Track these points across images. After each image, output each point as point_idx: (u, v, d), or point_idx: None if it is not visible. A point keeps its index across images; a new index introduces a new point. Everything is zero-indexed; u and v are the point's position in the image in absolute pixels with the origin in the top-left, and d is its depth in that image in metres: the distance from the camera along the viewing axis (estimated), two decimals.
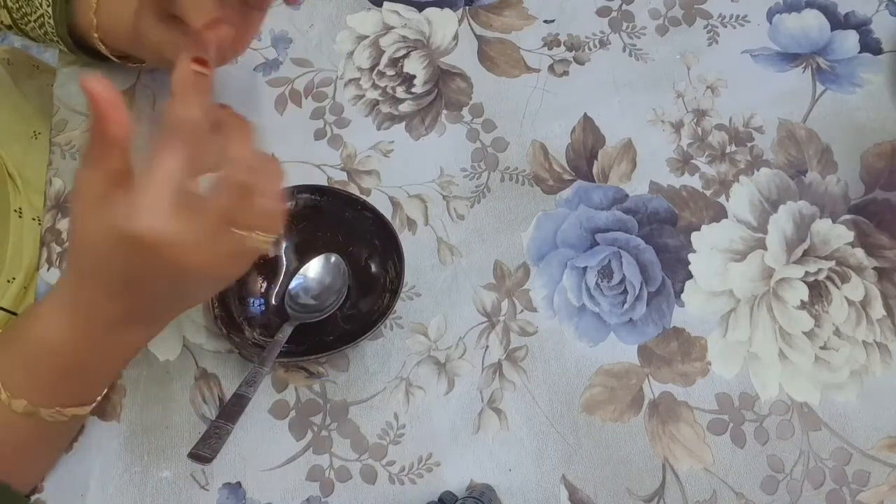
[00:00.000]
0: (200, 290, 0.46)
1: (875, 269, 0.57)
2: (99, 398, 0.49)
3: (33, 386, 0.45)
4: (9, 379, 0.45)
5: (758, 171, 0.60)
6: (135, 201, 0.38)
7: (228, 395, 0.54)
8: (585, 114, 0.62)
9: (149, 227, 0.38)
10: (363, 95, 0.63)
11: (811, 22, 0.65)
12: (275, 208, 0.43)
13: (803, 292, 0.57)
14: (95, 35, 0.56)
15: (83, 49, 0.59)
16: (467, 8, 0.66)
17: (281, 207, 0.43)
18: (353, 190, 0.59)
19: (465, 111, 0.62)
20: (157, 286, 0.42)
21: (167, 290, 0.43)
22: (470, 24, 0.66)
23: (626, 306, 0.57)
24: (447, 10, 0.66)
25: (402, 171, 0.60)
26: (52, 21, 0.56)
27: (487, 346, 0.56)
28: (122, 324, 0.44)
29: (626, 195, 0.60)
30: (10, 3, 0.57)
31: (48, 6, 0.55)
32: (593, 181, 0.60)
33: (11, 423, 0.45)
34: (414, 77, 0.64)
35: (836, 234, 0.58)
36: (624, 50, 0.65)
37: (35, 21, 0.57)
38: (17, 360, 0.45)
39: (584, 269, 0.57)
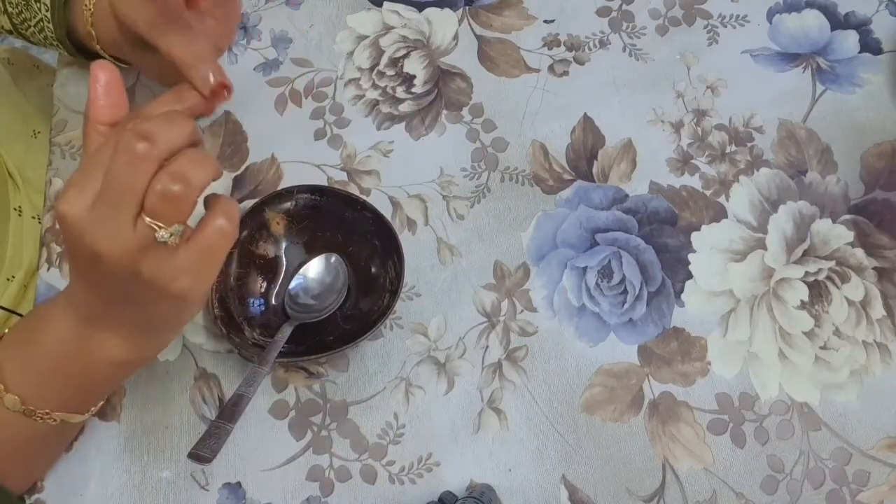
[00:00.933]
0: (140, 293, 0.42)
1: (875, 269, 0.57)
2: (93, 409, 0.49)
3: (26, 381, 0.45)
4: (7, 371, 0.45)
5: (758, 171, 0.60)
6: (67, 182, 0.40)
7: (228, 395, 0.54)
8: (585, 114, 0.62)
9: (60, 206, 0.39)
10: (363, 95, 0.63)
11: (811, 22, 0.65)
12: (182, 195, 0.39)
13: (803, 292, 0.57)
14: (97, 47, 0.56)
15: (83, 52, 0.59)
16: (467, 8, 0.66)
17: (193, 198, 0.40)
18: (353, 190, 0.59)
19: (465, 111, 0.62)
20: (100, 277, 0.41)
21: (109, 285, 0.42)
22: (470, 24, 0.66)
23: (626, 306, 0.57)
24: (447, 10, 0.66)
25: (402, 171, 0.60)
26: (50, 26, 0.56)
27: (487, 346, 0.56)
28: (102, 325, 0.44)
29: (626, 195, 0.60)
30: (9, 9, 0.57)
31: (46, 11, 0.55)
32: (593, 181, 0.60)
33: (5, 423, 0.46)
34: (414, 77, 0.64)
35: (836, 234, 0.58)
36: (624, 50, 0.65)
37: (35, 26, 0.57)
38: (17, 354, 0.46)
39: (584, 269, 0.57)
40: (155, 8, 0.48)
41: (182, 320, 0.46)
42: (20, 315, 0.61)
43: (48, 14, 0.55)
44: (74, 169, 0.60)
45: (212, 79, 0.47)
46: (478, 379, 0.55)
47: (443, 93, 0.63)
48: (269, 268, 0.57)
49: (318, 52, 0.65)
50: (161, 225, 0.39)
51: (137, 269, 0.40)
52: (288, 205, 0.57)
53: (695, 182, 0.60)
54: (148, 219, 0.39)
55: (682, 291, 0.57)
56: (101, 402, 0.50)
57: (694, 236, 0.58)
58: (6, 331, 0.48)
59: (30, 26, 0.57)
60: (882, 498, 0.52)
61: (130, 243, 0.39)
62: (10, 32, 0.60)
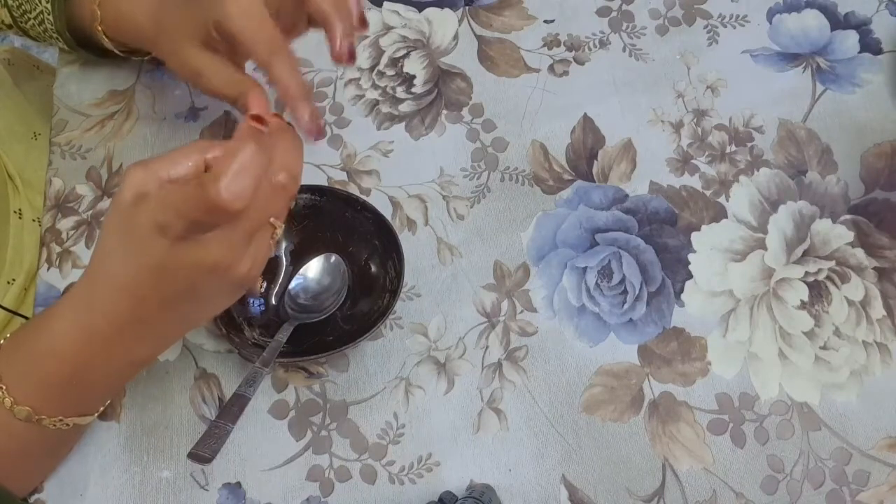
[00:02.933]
0: (226, 297, 0.44)
1: (875, 269, 0.57)
2: (102, 408, 0.49)
3: (37, 393, 0.44)
4: (14, 385, 0.44)
5: (758, 171, 0.60)
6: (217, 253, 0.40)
7: (228, 395, 0.54)
8: (585, 114, 0.62)
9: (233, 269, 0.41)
10: (363, 95, 0.63)
11: (811, 22, 0.65)
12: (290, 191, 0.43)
13: (803, 292, 0.57)
14: (99, 28, 0.55)
15: (84, 46, 0.59)
16: (467, 8, 0.66)
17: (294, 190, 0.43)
18: (353, 190, 0.59)
19: (465, 111, 0.62)
20: (176, 287, 0.41)
21: (204, 298, 0.43)
22: (470, 24, 0.66)
23: (626, 306, 0.57)
24: (447, 10, 0.66)
25: (402, 171, 0.60)
26: (51, 17, 0.56)
27: (487, 347, 0.56)
28: (129, 329, 0.43)
29: (626, 195, 0.60)
30: (9, 2, 0.57)
31: (47, 2, 0.55)
32: (593, 181, 0.60)
33: (13, 430, 0.45)
34: (414, 77, 0.64)
35: (836, 234, 0.58)
36: (624, 50, 0.65)
37: (35, 18, 0.57)
38: (23, 367, 0.45)
39: (584, 269, 0.57)
40: (275, 32, 0.47)
41: (221, 309, 0.47)
42: (22, 316, 0.61)
43: (48, 5, 0.55)
44: (74, 170, 0.60)
45: (310, 120, 0.48)
46: (478, 379, 0.55)
47: (443, 93, 0.63)
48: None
49: (317, 52, 0.65)
50: (280, 224, 0.43)
51: (232, 268, 0.42)
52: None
53: (695, 182, 0.60)
54: (276, 221, 0.43)
55: (682, 291, 0.57)
56: (109, 401, 0.50)
57: (694, 236, 0.58)
58: (2, 341, 0.46)
59: (29, 19, 0.57)
60: (882, 498, 0.52)
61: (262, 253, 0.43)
62: (9, 27, 0.59)
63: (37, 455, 0.48)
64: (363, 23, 0.50)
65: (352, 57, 0.49)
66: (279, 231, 0.43)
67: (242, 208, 0.37)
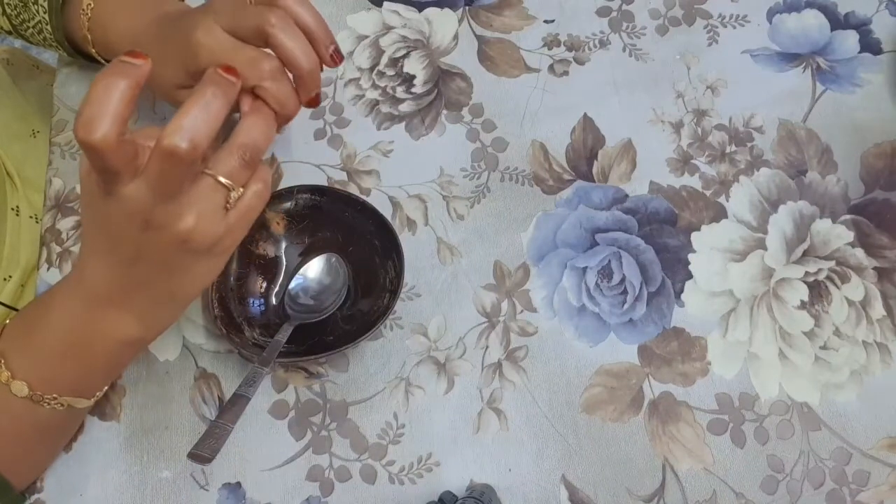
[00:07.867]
0: (188, 264, 0.44)
1: (875, 269, 0.57)
2: (98, 394, 0.49)
3: (34, 366, 0.46)
4: (12, 358, 0.46)
5: (758, 171, 0.60)
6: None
7: (228, 395, 0.54)
8: (585, 114, 0.62)
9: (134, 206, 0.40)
10: (363, 95, 0.63)
11: (811, 22, 0.65)
12: (256, 161, 0.43)
13: (803, 292, 0.57)
14: (93, 50, 0.56)
15: (82, 54, 0.59)
16: (467, 8, 0.66)
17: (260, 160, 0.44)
18: (353, 190, 0.59)
19: (465, 111, 0.62)
20: (143, 251, 0.42)
21: (151, 258, 0.43)
22: (470, 24, 0.65)
23: (626, 306, 0.57)
24: (447, 10, 0.66)
25: (402, 171, 0.60)
26: (49, 28, 0.56)
27: (487, 347, 0.56)
28: (111, 297, 0.44)
29: (626, 195, 0.60)
30: (8, 11, 0.57)
31: (45, 14, 0.55)
32: (593, 181, 0.60)
33: (11, 410, 0.46)
34: (414, 77, 0.64)
35: (836, 234, 0.58)
36: (624, 50, 0.65)
37: (33, 27, 0.57)
38: (22, 339, 0.46)
39: (584, 269, 0.57)
40: (249, 53, 0.48)
41: (203, 286, 0.47)
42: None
43: (46, 16, 0.56)
44: (74, 170, 0.60)
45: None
46: (478, 379, 0.55)
47: (443, 93, 0.63)
48: (269, 268, 0.57)
49: None
50: (235, 186, 0.42)
51: (207, 239, 0.42)
52: (288, 205, 0.57)
53: (695, 182, 0.60)
54: (227, 181, 0.42)
55: (682, 291, 0.57)
56: (106, 388, 0.50)
57: (694, 236, 0.58)
58: (7, 322, 0.48)
59: (28, 27, 0.57)
60: (882, 498, 0.52)
61: (212, 212, 0.42)
62: (9, 33, 0.60)
63: (33, 440, 0.49)
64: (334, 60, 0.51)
65: (315, 100, 0.53)
66: (234, 194, 0.42)
67: (100, 143, 0.37)
